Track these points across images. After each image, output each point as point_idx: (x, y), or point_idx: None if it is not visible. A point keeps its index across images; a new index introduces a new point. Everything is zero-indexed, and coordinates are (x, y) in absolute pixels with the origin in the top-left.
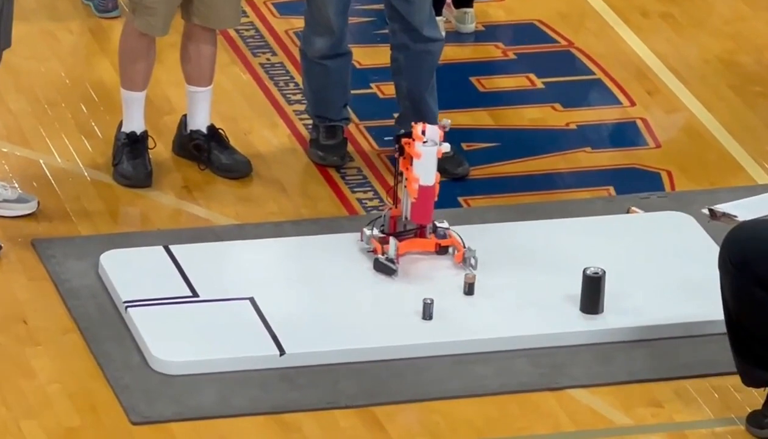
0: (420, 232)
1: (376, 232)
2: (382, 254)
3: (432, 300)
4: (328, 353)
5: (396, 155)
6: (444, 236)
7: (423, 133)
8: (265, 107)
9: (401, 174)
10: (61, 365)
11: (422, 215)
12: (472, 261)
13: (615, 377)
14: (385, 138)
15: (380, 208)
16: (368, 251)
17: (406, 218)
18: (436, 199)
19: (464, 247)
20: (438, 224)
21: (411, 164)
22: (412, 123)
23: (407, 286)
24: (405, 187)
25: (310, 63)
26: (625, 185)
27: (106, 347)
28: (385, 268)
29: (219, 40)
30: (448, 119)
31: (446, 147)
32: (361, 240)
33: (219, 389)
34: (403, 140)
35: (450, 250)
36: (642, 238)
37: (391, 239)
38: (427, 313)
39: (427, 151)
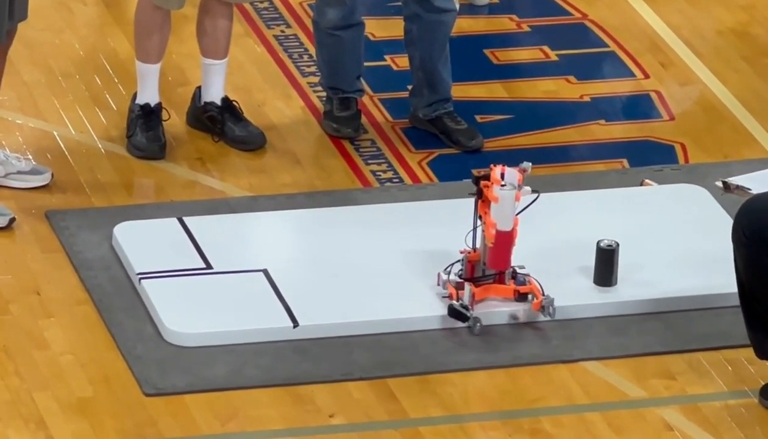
0: (499, 277)
1: (453, 277)
2: (457, 299)
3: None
4: (341, 325)
5: (474, 198)
6: (524, 283)
7: (501, 176)
8: (278, 79)
9: (480, 218)
10: (74, 337)
11: (499, 261)
12: (551, 310)
13: (628, 350)
14: (464, 179)
15: (393, 180)
16: (443, 297)
17: (483, 263)
18: (514, 245)
19: (543, 295)
20: (518, 270)
21: (489, 208)
22: (491, 165)
23: (422, 257)
24: (483, 231)
25: (322, 34)
26: (638, 158)
27: (119, 318)
28: (458, 314)
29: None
30: (528, 163)
31: (526, 191)
32: (438, 284)
33: (232, 361)
34: (482, 183)
35: (529, 297)
36: (655, 210)
37: (466, 285)
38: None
39: (505, 195)
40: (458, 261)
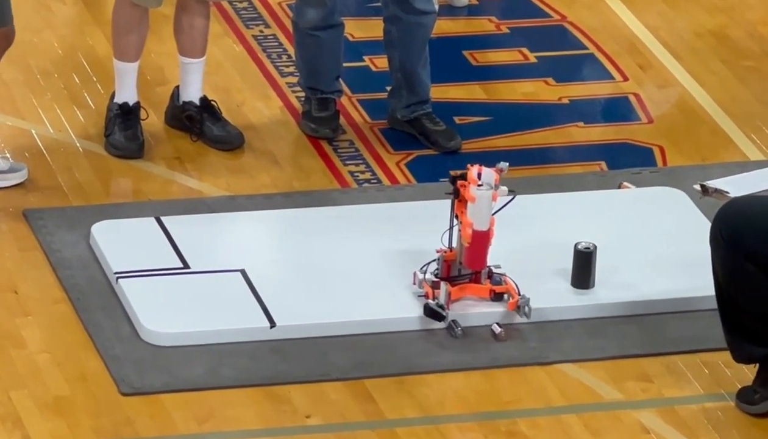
0: (475, 277)
1: (429, 276)
2: (433, 299)
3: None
4: (318, 325)
5: (451, 198)
6: (500, 282)
7: (478, 176)
8: (257, 79)
9: (456, 217)
10: (51, 335)
11: (476, 261)
12: (526, 310)
13: (605, 352)
14: (441, 180)
15: (371, 181)
16: (419, 296)
17: (459, 263)
18: (491, 244)
19: (519, 294)
20: (494, 270)
21: (465, 208)
22: (468, 165)
23: (399, 258)
24: (459, 231)
25: (302, 34)
26: (617, 160)
27: (96, 317)
28: (434, 313)
29: (212, 12)
30: (505, 163)
31: (503, 191)
32: (414, 283)
33: (209, 361)
34: (459, 183)
35: (505, 297)
36: (633, 213)
37: (443, 284)
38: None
39: (481, 195)
40: (434, 260)
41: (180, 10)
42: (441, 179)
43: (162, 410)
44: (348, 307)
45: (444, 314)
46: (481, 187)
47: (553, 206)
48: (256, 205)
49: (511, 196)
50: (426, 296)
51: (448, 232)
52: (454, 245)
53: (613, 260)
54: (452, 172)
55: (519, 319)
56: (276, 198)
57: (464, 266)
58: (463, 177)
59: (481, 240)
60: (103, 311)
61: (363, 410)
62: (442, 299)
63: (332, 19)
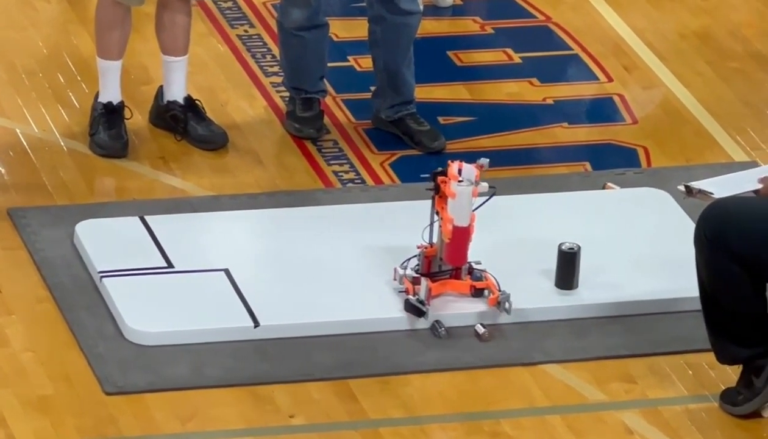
0: (455, 273)
1: (409, 272)
2: (414, 294)
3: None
4: (302, 325)
5: (432, 194)
6: (480, 278)
7: (459, 172)
8: (242, 79)
9: (437, 213)
10: (35, 334)
11: (456, 257)
12: (507, 305)
13: (589, 353)
14: (422, 175)
15: (355, 181)
16: (399, 292)
17: (440, 258)
18: (471, 240)
19: (499, 290)
20: (474, 265)
21: (446, 204)
22: (449, 161)
23: (383, 258)
24: (440, 226)
25: (287, 34)
26: (601, 161)
27: (80, 316)
28: (414, 309)
29: (197, 11)
30: (486, 159)
31: (483, 187)
32: (394, 279)
33: (193, 360)
34: (439, 179)
35: (485, 292)
36: (618, 214)
37: (423, 280)
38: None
39: (462, 191)
40: (415, 256)
41: (161, 8)
42: (422, 176)
43: (145, 409)
44: (332, 307)
45: (424, 309)
46: (462, 183)
47: (537, 207)
48: (240, 205)
49: (491, 192)
50: (406, 291)
51: (428, 227)
52: (435, 240)
53: (597, 260)
54: (434, 171)
55: (502, 319)
56: (260, 198)
57: (444, 262)
58: (444, 173)
59: (461, 236)
60: (87, 310)
61: (347, 409)
62: (422, 295)
63: (317, 19)
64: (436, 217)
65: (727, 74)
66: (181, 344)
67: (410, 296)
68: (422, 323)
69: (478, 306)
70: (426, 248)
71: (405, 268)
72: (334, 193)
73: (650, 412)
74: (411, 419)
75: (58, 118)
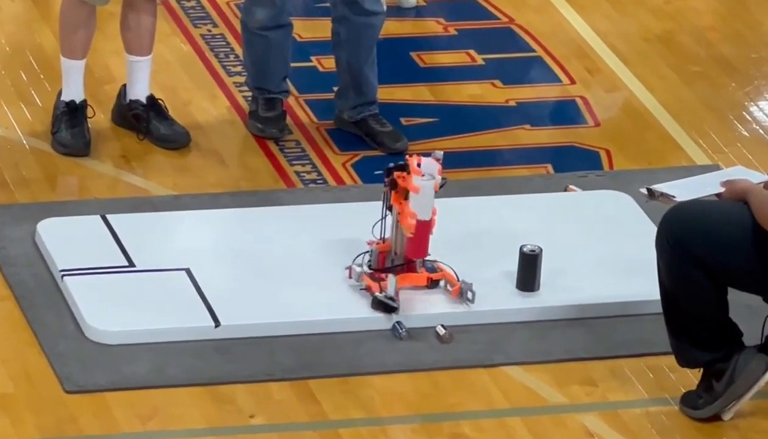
0: (409, 266)
1: (366, 268)
2: (380, 291)
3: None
4: (263, 325)
5: (386, 189)
6: (433, 270)
7: (419, 166)
8: (205, 78)
9: (390, 208)
10: None
11: (418, 250)
12: (469, 294)
13: (550, 355)
14: (376, 172)
15: (317, 181)
16: (361, 289)
17: (395, 253)
18: (432, 233)
19: (459, 280)
20: (426, 258)
21: (405, 198)
22: (406, 156)
23: (345, 258)
24: (398, 221)
25: (250, 34)
26: (563, 163)
27: (41, 315)
28: (385, 306)
29: (160, 11)
30: (440, 151)
31: (441, 181)
32: (350, 277)
33: (154, 359)
34: (396, 174)
35: (442, 283)
36: (579, 216)
37: (390, 276)
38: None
39: (426, 185)
40: (367, 252)
41: (127, 8)
42: (376, 172)
43: (106, 408)
44: (293, 307)
45: (396, 305)
46: (425, 178)
47: (498, 209)
48: (202, 205)
49: (443, 183)
50: (368, 289)
51: (380, 223)
52: (387, 235)
53: (559, 262)
54: (388, 167)
55: (466, 317)
56: (222, 197)
57: (401, 256)
58: (400, 168)
59: (424, 230)
60: (48, 309)
61: (307, 410)
62: (391, 291)
63: (281, 19)
64: (387, 213)
65: (690, 78)
66: (142, 343)
67: (377, 293)
68: (384, 323)
69: (442, 299)
70: (378, 243)
71: (361, 265)
72: (296, 193)
73: (610, 415)
74: (371, 420)
75: (21, 116)
